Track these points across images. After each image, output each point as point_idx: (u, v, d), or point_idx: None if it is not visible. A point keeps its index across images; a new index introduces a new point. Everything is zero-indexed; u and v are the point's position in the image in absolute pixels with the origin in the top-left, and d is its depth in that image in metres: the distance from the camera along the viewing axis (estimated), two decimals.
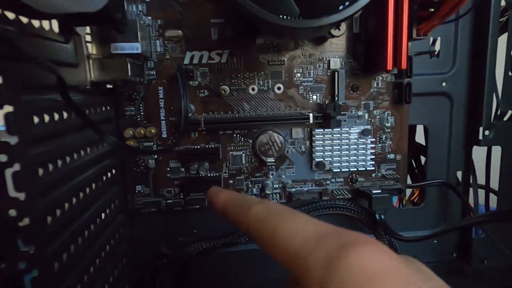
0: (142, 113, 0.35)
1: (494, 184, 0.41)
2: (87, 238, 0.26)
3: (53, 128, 0.22)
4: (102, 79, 0.29)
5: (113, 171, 0.33)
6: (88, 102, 0.28)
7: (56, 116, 0.23)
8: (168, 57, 0.34)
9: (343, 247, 0.12)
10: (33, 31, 0.21)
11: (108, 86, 0.33)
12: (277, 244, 0.15)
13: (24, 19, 0.20)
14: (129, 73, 0.29)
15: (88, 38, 0.28)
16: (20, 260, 0.19)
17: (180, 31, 0.34)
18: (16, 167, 0.18)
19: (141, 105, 0.35)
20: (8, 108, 0.18)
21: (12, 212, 0.18)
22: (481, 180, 0.42)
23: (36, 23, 0.21)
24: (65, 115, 0.24)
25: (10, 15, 0.18)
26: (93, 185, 0.28)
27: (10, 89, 0.18)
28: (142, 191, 0.36)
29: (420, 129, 0.42)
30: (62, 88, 0.21)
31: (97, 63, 0.29)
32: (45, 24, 0.22)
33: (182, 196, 0.36)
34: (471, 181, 0.40)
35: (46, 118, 0.21)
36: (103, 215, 0.30)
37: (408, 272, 0.12)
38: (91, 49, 0.29)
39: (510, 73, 0.36)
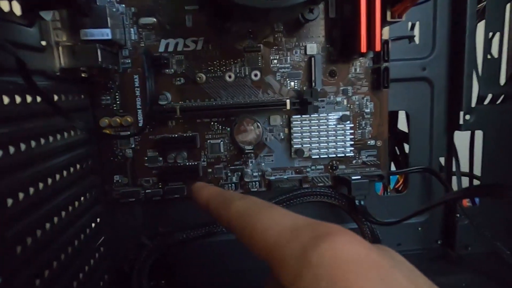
0: (118, 102, 0.34)
1: (478, 169, 0.40)
2: (57, 225, 0.26)
3: (15, 111, 0.22)
4: (72, 66, 0.29)
5: (89, 161, 0.33)
6: (58, 89, 0.28)
7: (18, 99, 0.22)
8: (143, 45, 0.34)
9: (317, 237, 0.13)
10: None
11: (83, 75, 0.33)
12: (255, 237, 0.15)
13: None
14: (99, 59, 0.29)
15: (58, 24, 0.28)
16: None
17: (154, 19, 0.33)
18: None
19: (116, 94, 0.34)
20: None
21: None
22: (465, 166, 0.41)
23: None
24: (28, 99, 0.23)
25: None
26: (64, 172, 0.28)
27: None
28: (120, 181, 0.36)
29: (403, 117, 0.42)
30: (22, 70, 0.21)
31: (67, 49, 0.28)
32: (4, 5, 0.22)
33: (160, 186, 0.36)
34: (454, 167, 0.40)
35: (6, 99, 0.21)
36: (76, 203, 0.30)
37: (379, 259, 0.12)
38: (61, 35, 0.28)
39: (489, 56, 0.36)
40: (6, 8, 0.22)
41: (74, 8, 0.25)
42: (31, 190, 0.23)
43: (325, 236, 0.13)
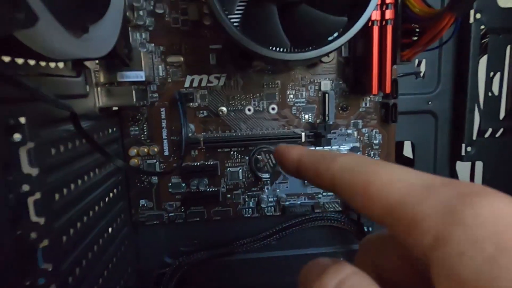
0: (145, 133, 0.37)
1: None
2: (97, 252, 0.29)
3: (67, 156, 0.25)
4: (109, 105, 0.32)
5: (119, 187, 0.36)
6: (96, 126, 0.31)
7: (70, 145, 0.25)
8: (170, 80, 0.36)
9: (465, 195, 0.10)
10: (48, 71, 0.23)
11: (114, 108, 0.36)
12: (372, 195, 0.13)
13: (42, 63, 0.22)
14: (134, 99, 0.32)
15: (96, 67, 0.31)
16: (40, 276, 0.21)
17: (181, 57, 0.36)
18: (37, 195, 0.21)
19: (144, 125, 0.37)
20: (30, 145, 0.20)
21: (33, 235, 0.21)
22: None
23: (52, 63, 0.23)
24: (77, 142, 0.26)
25: (30, 61, 0.21)
26: (101, 203, 0.31)
27: (31, 127, 0.20)
28: (145, 205, 0.39)
29: (408, 144, 0.44)
30: (75, 120, 0.24)
31: (105, 90, 0.31)
32: (60, 63, 0.24)
33: (183, 210, 0.39)
34: None
35: (61, 148, 0.24)
36: (110, 229, 0.33)
37: None
38: (99, 77, 0.31)
39: (490, 94, 0.38)
40: (60, 65, 0.25)
41: (119, 59, 0.27)
42: (78, 224, 0.26)
43: (476, 194, 0.10)
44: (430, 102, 0.40)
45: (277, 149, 0.19)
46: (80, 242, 0.26)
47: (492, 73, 0.38)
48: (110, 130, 0.34)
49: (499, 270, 0.09)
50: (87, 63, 0.28)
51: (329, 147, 0.38)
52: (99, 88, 0.31)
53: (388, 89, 0.33)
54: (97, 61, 0.30)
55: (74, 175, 0.26)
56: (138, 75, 0.32)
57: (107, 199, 0.32)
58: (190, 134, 0.37)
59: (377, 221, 0.13)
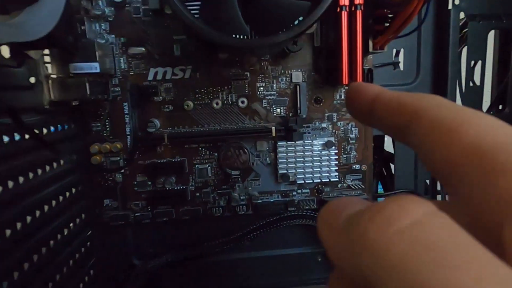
0: (108, 129, 0.35)
1: None
2: (45, 255, 0.27)
3: (2, 151, 0.23)
4: (62, 99, 0.30)
5: (79, 187, 0.34)
6: (47, 121, 0.29)
7: (6, 139, 0.23)
8: (132, 73, 0.35)
9: None
10: None
11: (74, 103, 0.34)
12: (462, 133, 0.11)
13: None
14: (88, 92, 0.30)
15: (47, 59, 0.29)
16: None
17: (143, 48, 0.34)
18: None
19: (106, 121, 0.35)
20: None
21: None
22: None
23: None
24: (16, 137, 0.24)
25: None
26: (53, 202, 0.29)
27: None
28: (110, 204, 0.37)
29: (389, 139, 0.42)
30: (12, 113, 0.22)
31: (57, 83, 0.29)
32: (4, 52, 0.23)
33: (149, 209, 0.37)
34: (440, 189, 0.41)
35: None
36: (65, 230, 0.31)
37: None
38: (51, 69, 0.29)
39: (471, 84, 0.36)
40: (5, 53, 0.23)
41: (61, 48, 0.26)
42: (19, 225, 0.24)
43: None
44: None
45: (352, 85, 0.16)
46: (25, 241, 0.25)
47: (472, 62, 0.36)
48: (67, 126, 0.32)
49: None
50: (31, 53, 0.26)
51: (301, 141, 0.36)
52: (50, 81, 0.29)
53: (359, 79, 0.31)
54: (45, 51, 0.29)
55: (10, 173, 0.24)
56: (92, 67, 0.30)
57: (62, 198, 0.31)
58: (154, 130, 0.35)
59: (450, 165, 0.11)
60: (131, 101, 0.30)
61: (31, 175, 0.26)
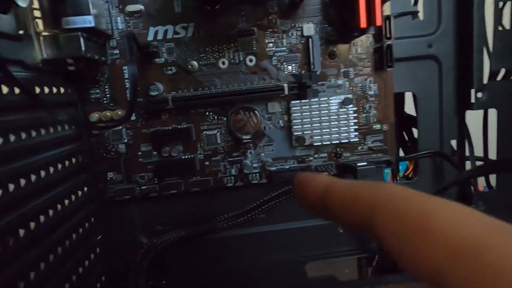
0: (108, 95, 0.33)
1: (493, 152, 0.38)
2: (44, 224, 0.25)
3: None
4: (55, 56, 0.27)
5: (79, 157, 0.32)
6: (41, 81, 0.27)
7: None
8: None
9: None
10: None
11: (70, 68, 0.32)
12: (433, 230, 0.10)
13: None
14: (83, 49, 0.27)
15: (38, 13, 0.27)
16: None
17: (141, 5, 0.32)
18: None
19: (106, 86, 0.33)
20: None
21: None
22: (478, 151, 0.39)
23: None
24: (4, 90, 0.22)
25: None
26: (51, 169, 0.27)
27: None
28: (114, 178, 0.34)
29: (409, 97, 0.39)
30: None
31: (48, 39, 0.27)
32: None
33: (156, 181, 0.34)
34: (467, 151, 0.37)
35: None
36: (66, 201, 0.28)
37: None
38: (41, 25, 0.27)
39: (500, 28, 0.33)
40: None
41: None
42: (11, 186, 0.22)
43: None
44: (431, 46, 0.35)
45: (297, 177, 0.16)
46: (19, 208, 0.22)
47: (501, 3, 0.33)
48: (62, 90, 0.30)
49: None
50: (19, 1, 0.24)
51: (317, 99, 0.33)
52: (41, 37, 0.27)
53: (379, 21, 0.28)
54: (35, 5, 0.26)
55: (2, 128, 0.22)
56: (86, 20, 0.27)
57: (60, 167, 0.28)
58: (157, 93, 0.33)
59: (431, 271, 0.09)
60: (129, 46, 0.27)
61: (23, 135, 0.24)
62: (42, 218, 0.25)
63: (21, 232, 0.22)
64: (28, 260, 0.23)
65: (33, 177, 0.24)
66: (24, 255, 0.22)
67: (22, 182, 0.23)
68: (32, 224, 0.24)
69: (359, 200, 0.12)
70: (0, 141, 0.21)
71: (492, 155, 0.38)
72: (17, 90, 0.23)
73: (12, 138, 0.22)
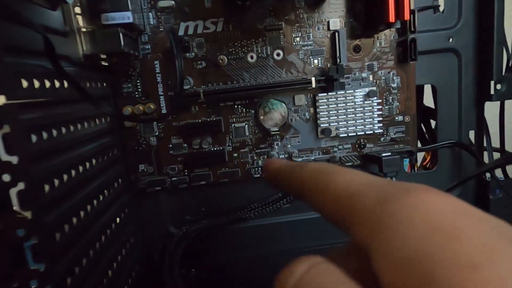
0: (139, 90, 0.34)
1: (509, 144, 0.39)
2: (90, 213, 0.26)
3: (45, 95, 0.21)
4: (94, 52, 0.28)
5: (114, 150, 0.33)
6: (81, 75, 0.28)
7: (47, 84, 0.22)
8: (162, 29, 0.33)
9: (401, 189, 0.11)
10: None
11: (103, 63, 0.32)
12: (329, 192, 0.14)
13: None
14: (122, 43, 0.28)
15: (78, 10, 0.28)
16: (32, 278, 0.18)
17: (173, 1, 0.33)
18: (6, 129, 0.17)
19: (138, 81, 0.34)
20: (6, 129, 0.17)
21: (6, 177, 0.18)
22: (495, 143, 0.40)
23: None
24: (56, 84, 0.23)
25: None
26: (93, 161, 0.28)
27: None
28: (145, 170, 0.35)
29: (428, 93, 0.40)
30: (50, 51, 0.20)
31: (88, 35, 0.28)
32: None
33: (186, 173, 0.36)
34: (484, 142, 0.39)
35: (36, 83, 0.21)
36: (106, 192, 0.29)
37: (484, 215, 0.10)
38: (82, 21, 0.28)
39: None
40: None
41: None
42: (65, 177, 0.23)
43: (412, 188, 0.11)
44: (451, 39, 0.36)
45: (265, 162, 0.22)
46: (72, 198, 0.23)
47: None
48: (99, 85, 0.31)
49: (430, 247, 0.09)
50: None
51: (343, 91, 0.34)
52: (81, 34, 0.28)
53: (407, 15, 0.29)
54: (77, 2, 0.27)
55: (54, 119, 0.22)
56: (125, 16, 0.28)
57: (100, 159, 0.29)
58: (188, 87, 0.34)
59: (330, 218, 0.13)
60: (174, 41, 0.28)
61: (71, 127, 0.25)
62: (89, 208, 0.26)
63: (74, 220, 0.23)
64: (81, 248, 0.24)
65: (81, 168, 0.25)
66: (77, 242, 0.23)
67: (73, 172, 0.24)
68: (82, 213, 0.25)
69: (294, 179, 0.17)
70: (55, 133, 0.22)
71: (508, 145, 0.39)
72: (65, 84, 0.24)
73: (63, 130, 0.23)
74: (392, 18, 0.29)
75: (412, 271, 0.09)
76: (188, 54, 0.33)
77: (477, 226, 0.09)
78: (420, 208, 0.10)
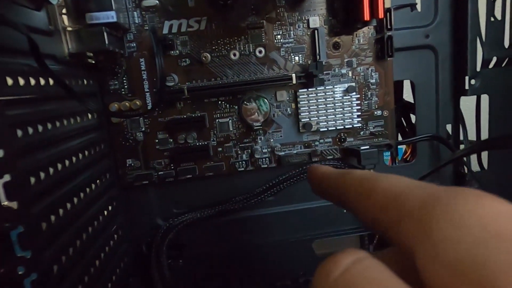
0: (126, 87, 0.35)
1: (485, 136, 0.41)
2: (77, 205, 0.27)
3: (31, 93, 0.23)
4: (79, 50, 0.29)
5: (102, 145, 0.34)
6: (68, 73, 0.29)
7: (33, 81, 0.23)
8: (147, 27, 0.34)
9: (451, 191, 0.11)
10: None
11: (90, 60, 0.33)
12: (374, 196, 0.14)
13: None
14: (106, 42, 0.29)
15: (64, 10, 0.28)
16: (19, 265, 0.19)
17: (157, 0, 0.34)
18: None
19: (124, 78, 0.35)
20: None
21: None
22: (472, 135, 0.41)
23: None
24: (42, 81, 0.24)
25: None
26: (80, 155, 0.29)
27: None
28: (132, 164, 0.36)
29: (408, 88, 0.42)
30: (34, 51, 0.21)
31: (74, 34, 0.29)
32: None
33: (172, 167, 0.37)
34: (461, 135, 0.40)
35: (21, 81, 0.22)
36: (93, 185, 0.31)
37: None
38: (67, 21, 0.29)
39: (492, 19, 0.36)
40: None
41: None
42: (51, 170, 0.24)
43: (462, 190, 0.11)
44: (428, 36, 0.38)
45: (309, 168, 0.21)
46: (58, 190, 0.24)
47: None
48: (85, 82, 0.32)
49: (488, 251, 0.09)
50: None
51: (323, 87, 0.36)
52: (67, 33, 0.29)
53: (381, 14, 0.30)
54: (62, 2, 0.28)
55: (40, 116, 0.24)
56: (109, 16, 0.29)
57: (87, 153, 0.30)
58: (173, 84, 0.35)
59: (374, 223, 0.13)
60: (155, 40, 0.29)
61: (57, 123, 0.26)
62: (75, 200, 0.27)
63: (61, 211, 0.25)
64: (68, 238, 0.25)
65: (67, 162, 0.26)
66: (64, 232, 0.25)
67: (59, 166, 0.25)
68: (69, 205, 0.26)
69: (338, 186, 0.17)
70: (40, 128, 0.23)
71: (484, 138, 0.41)
72: (51, 82, 0.25)
73: (49, 126, 0.24)
74: (367, 16, 0.31)
75: (468, 275, 0.09)
76: (172, 52, 0.35)
77: None
78: (475, 212, 0.10)
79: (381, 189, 0.13)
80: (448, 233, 0.09)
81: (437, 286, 0.09)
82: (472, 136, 0.41)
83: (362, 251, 0.11)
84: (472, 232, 0.09)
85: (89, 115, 0.32)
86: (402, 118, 0.44)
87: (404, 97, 0.44)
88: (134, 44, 0.34)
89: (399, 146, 0.43)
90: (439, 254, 0.09)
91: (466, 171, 0.40)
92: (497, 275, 0.08)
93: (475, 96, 0.39)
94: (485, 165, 0.41)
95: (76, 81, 0.30)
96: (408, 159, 0.43)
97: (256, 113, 0.36)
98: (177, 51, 0.35)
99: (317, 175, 0.20)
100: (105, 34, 0.29)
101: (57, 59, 0.27)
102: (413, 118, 0.43)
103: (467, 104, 0.40)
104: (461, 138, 0.40)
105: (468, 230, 0.09)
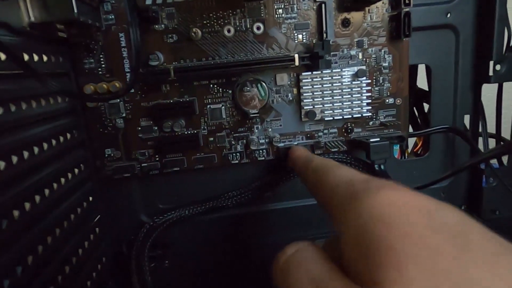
0: (103, 66, 0.30)
1: (506, 129, 0.37)
2: (39, 204, 0.23)
3: None
4: (44, 20, 0.24)
5: (74, 132, 0.29)
6: (28, 47, 0.24)
7: None
8: None
9: (365, 188, 0.14)
10: None
11: (60, 34, 0.29)
12: (321, 188, 0.18)
13: None
14: (75, 11, 0.24)
15: None
16: None
17: None
18: None
19: (101, 56, 0.30)
20: None
21: None
22: (491, 128, 0.37)
23: None
24: None
25: None
26: (45, 145, 0.24)
27: None
28: (112, 155, 0.32)
29: (422, 74, 0.37)
30: None
31: (36, 1, 0.24)
32: None
33: (157, 158, 0.33)
34: (480, 127, 0.36)
35: None
36: (62, 180, 0.26)
37: (431, 206, 0.12)
38: None
39: None
40: None
41: None
42: (2, 164, 0.20)
43: (379, 188, 0.13)
44: (449, 14, 0.33)
45: (289, 149, 0.28)
46: (13, 188, 0.20)
47: None
48: (53, 59, 0.27)
49: (372, 233, 0.12)
50: None
51: (329, 70, 0.31)
52: None
53: None
54: None
55: None
56: None
57: (55, 142, 0.26)
58: (157, 63, 0.30)
59: (326, 207, 0.17)
60: (129, 6, 0.25)
61: (13, 107, 0.21)
62: (37, 198, 0.23)
63: (16, 213, 0.20)
64: (25, 244, 0.21)
65: (25, 154, 0.22)
66: (20, 238, 0.21)
67: (14, 159, 0.21)
68: (27, 205, 0.22)
69: (303, 175, 0.23)
70: None
71: (505, 131, 0.37)
72: (3, 57, 0.21)
73: (0, 110, 0.20)
74: None
75: (359, 250, 0.12)
76: (157, 26, 0.30)
77: (416, 217, 0.11)
78: (372, 203, 0.12)
79: (327, 181, 0.17)
80: (355, 221, 0.12)
81: (346, 259, 0.13)
82: (491, 129, 0.37)
83: (305, 242, 0.15)
84: (365, 217, 0.12)
85: (59, 98, 0.27)
86: (414, 108, 0.40)
87: (417, 83, 0.39)
88: (112, 16, 0.29)
89: (410, 138, 0.39)
90: (348, 235, 0.13)
91: (484, 166, 0.36)
92: (370, 251, 0.11)
93: (496, 85, 0.35)
94: (505, 161, 0.37)
95: (41, 56, 0.25)
96: (419, 152, 0.39)
97: (256, 101, 0.31)
98: (162, 25, 0.30)
99: (291, 159, 0.25)
100: (73, 1, 0.24)
101: (12, 29, 0.22)
102: (426, 107, 0.39)
103: (485, 93, 0.36)
104: (480, 130, 0.36)
105: (365, 216, 0.12)
